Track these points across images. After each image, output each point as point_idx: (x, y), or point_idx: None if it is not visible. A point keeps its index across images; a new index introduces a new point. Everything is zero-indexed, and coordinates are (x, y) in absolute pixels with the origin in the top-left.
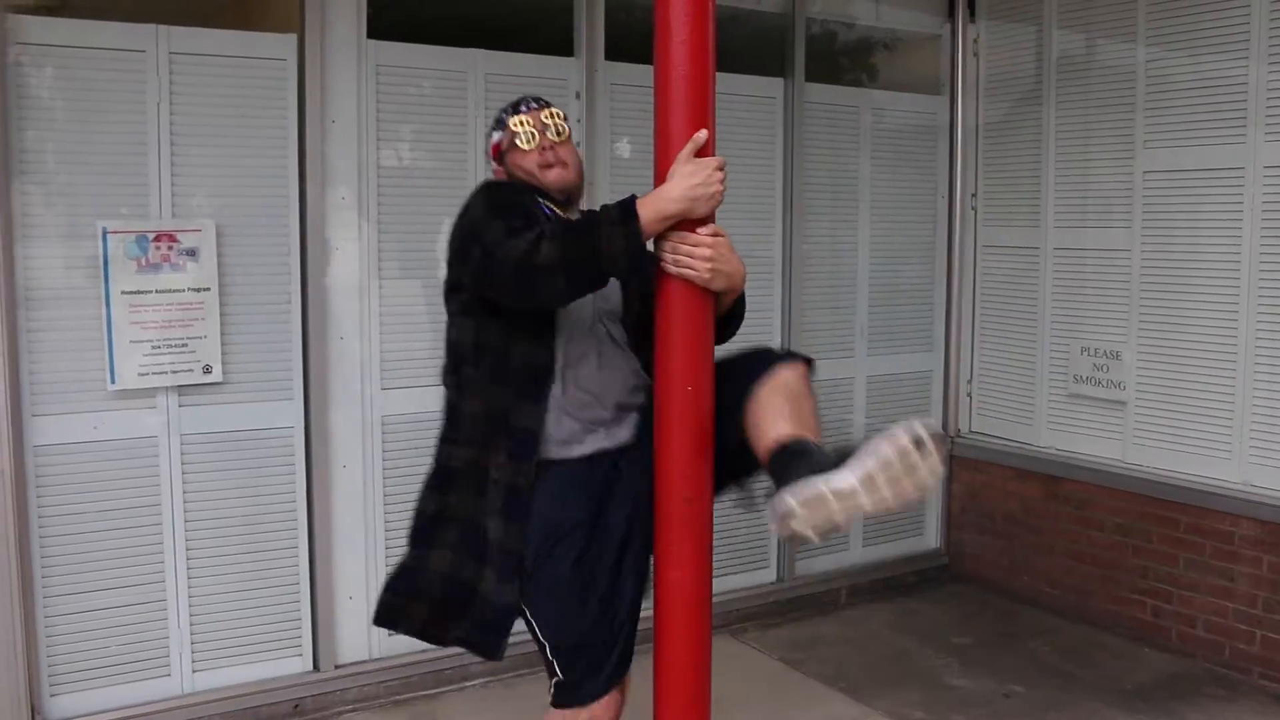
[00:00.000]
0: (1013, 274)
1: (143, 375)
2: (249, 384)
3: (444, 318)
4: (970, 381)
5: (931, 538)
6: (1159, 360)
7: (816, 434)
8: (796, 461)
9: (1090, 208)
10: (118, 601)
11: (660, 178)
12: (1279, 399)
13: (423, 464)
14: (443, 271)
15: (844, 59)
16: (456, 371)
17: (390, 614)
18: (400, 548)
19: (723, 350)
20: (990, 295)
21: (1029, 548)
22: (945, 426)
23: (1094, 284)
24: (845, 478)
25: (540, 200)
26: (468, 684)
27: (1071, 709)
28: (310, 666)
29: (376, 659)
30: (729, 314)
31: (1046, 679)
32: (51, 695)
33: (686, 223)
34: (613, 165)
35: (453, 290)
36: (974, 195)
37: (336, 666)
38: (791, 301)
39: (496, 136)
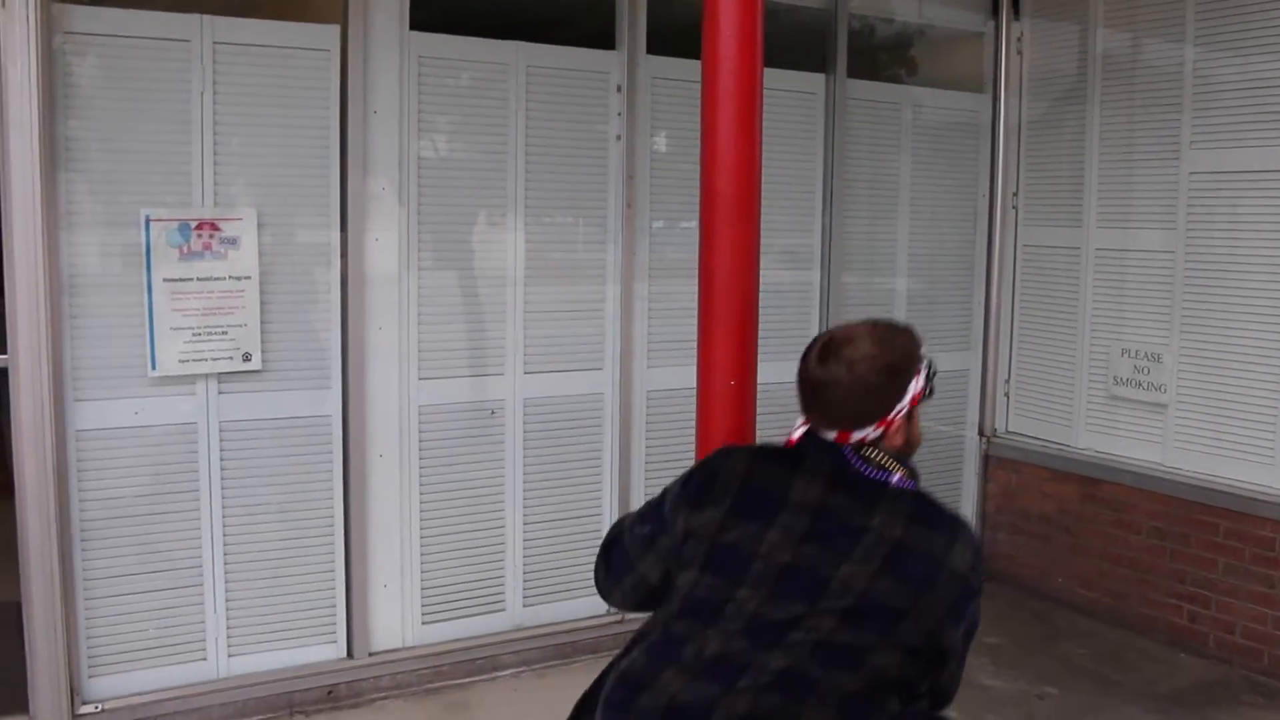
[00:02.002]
0: (1053, 274)
1: (183, 362)
2: (288, 372)
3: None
4: (1008, 381)
5: None
6: (1201, 363)
7: None
8: None
9: (1133, 208)
10: (155, 586)
11: (706, 170)
12: None
13: (459, 453)
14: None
15: (885, 55)
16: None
17: None
18: (435, 538)
19: None
20: (1030, 295)
21: (1064, 549)
22: (982, 426)
23: (1135, 285)
24: None
25: None
26: (499, 673)
27: (1105, 713)
28: (344, 653)
29: (410, 647)
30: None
31: (1080, 681)
32: (90, 677)
33: None
34: (653, 160)
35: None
36: (1015, 194)
37: (370, 654)
38: (829, 297)
39: (921, 386)
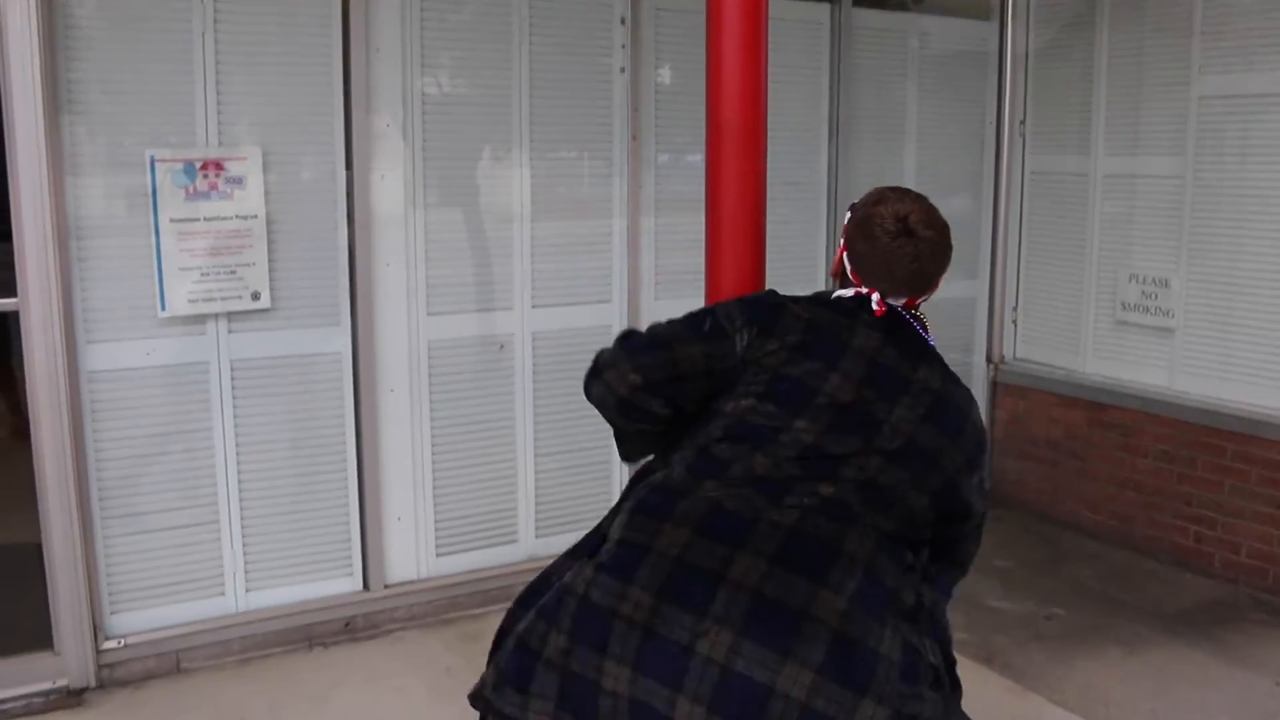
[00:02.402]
0: (1061, 201)
1: (192, 302)
2: (297, 310)
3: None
4: (1016, 308)
5: None
6: (1209, 287)
7: None
8: None
9: (1142, 134)
10: (172, 523)
11: (712, 100)
12: None
13: (469, 387)
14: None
15: None
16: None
17: None
18: (448, 472)
19: None
20: (1038, 222)
21: (1072, 474)
22: (989, 353)
23: (1144, 211)
24: None
25: None
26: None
27: (1112, 632)
28: (360, 586)
29: (424, 579)
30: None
31: (1088, 602)
32: (112, 613)
33: None
34: (657, 92)
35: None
36: (1022, 122)
37: (386, 586)
38: (836, 227)
39: None
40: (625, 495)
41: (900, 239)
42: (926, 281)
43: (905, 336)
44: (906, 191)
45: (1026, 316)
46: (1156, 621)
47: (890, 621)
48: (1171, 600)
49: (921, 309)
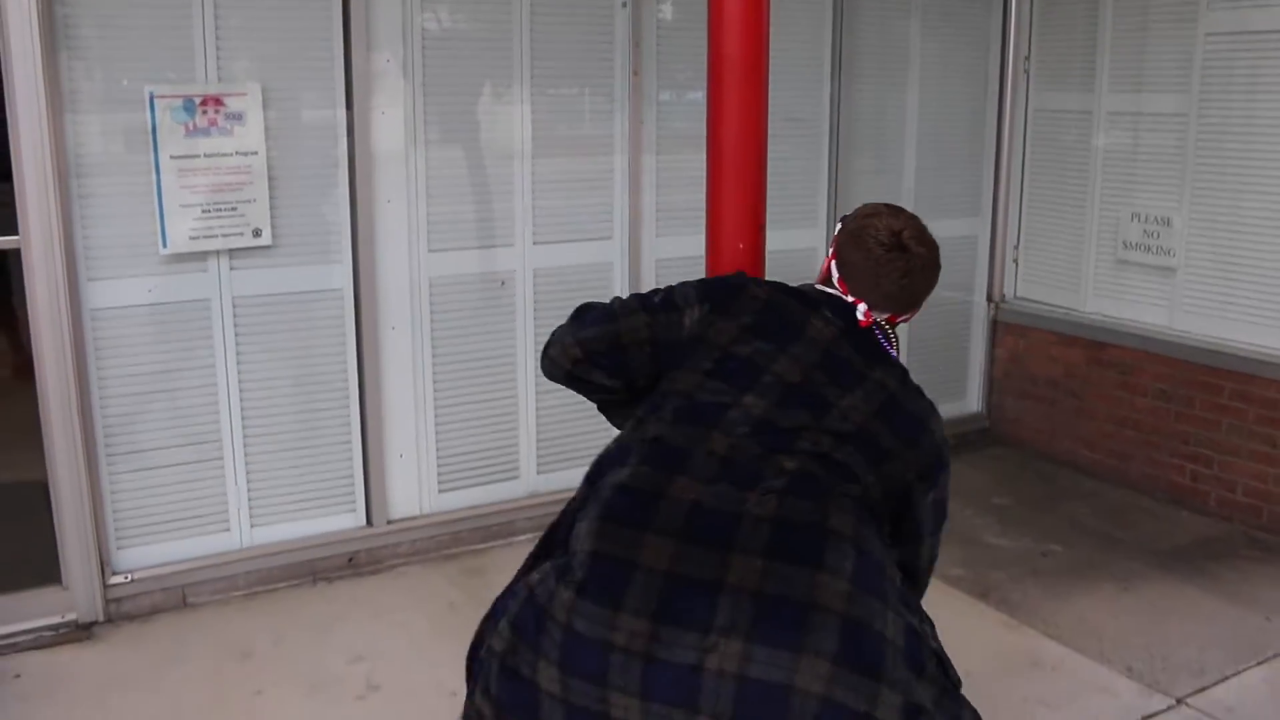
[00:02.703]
0: (1064, 138)
1: (193, 239)
2: (298, 247)
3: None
4: (1017, 247)
5: (973, 401)
6: (1211, 227)
7: None
8: None
9: (1147, 71)
10: (176, 460)
11: (714, 33)
12: None
13: (471, 324)
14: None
15: None
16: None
17: None
18: (449, 408)
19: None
20: (1040, 160)
21: (1070, 412)
22: (990, 292)
23: (1147, 149)
24: None
25: None
26: (515, 539)
27: (1108, 567)
28: (364, 522)
29: (427, 514)
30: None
31: (1084, 539)
32: (119, 549)
33: None
34: (659, 28)
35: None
36: (1026, 58)
37: (389, 521)
38: (838, 166)
39: None
40: (586, 494)
41: (893, 253)
42: (912, 298)
43: (867, 340)
44: (901, 209)
45: (1027, 255)
46: (1151, 558)
47: (890, 601)
48: (1167, 537)
49: (894, 333)
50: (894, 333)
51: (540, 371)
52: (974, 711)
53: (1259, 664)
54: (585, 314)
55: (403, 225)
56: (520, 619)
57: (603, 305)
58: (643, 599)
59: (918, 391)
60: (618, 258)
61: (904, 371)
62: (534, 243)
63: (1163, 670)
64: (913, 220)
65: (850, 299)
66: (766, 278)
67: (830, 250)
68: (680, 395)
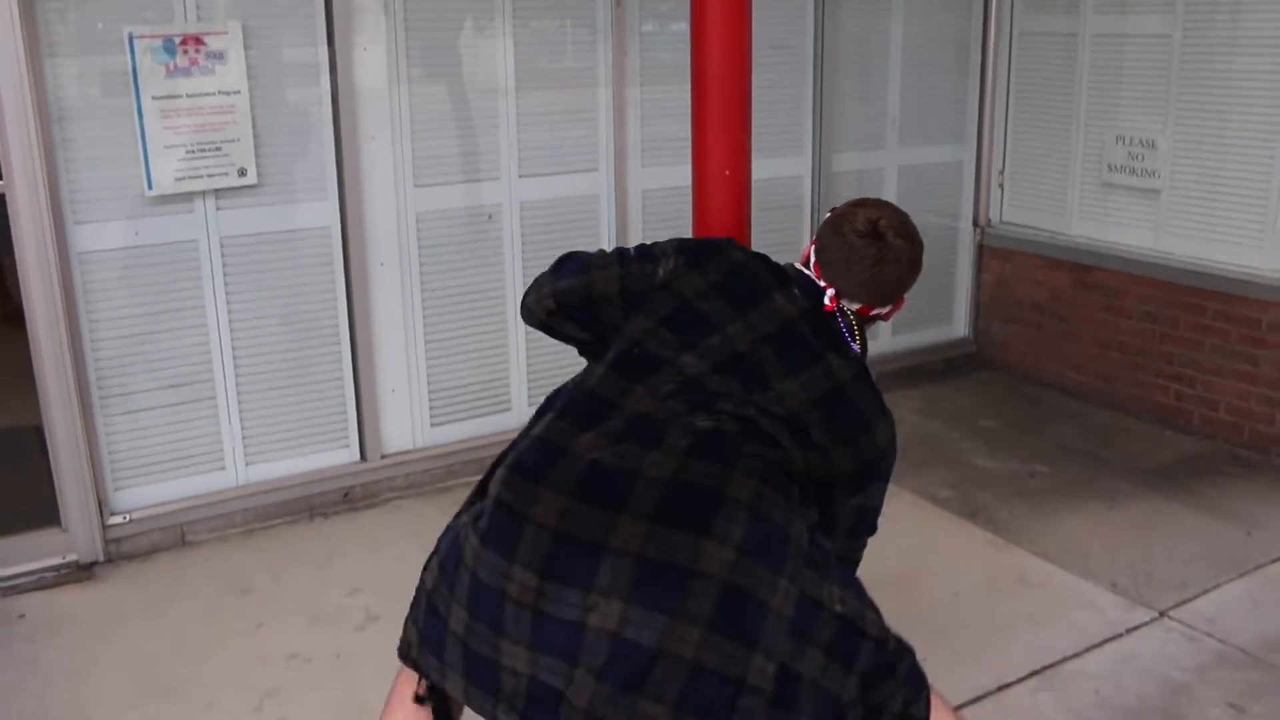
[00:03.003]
0: (1049, 61)
1: (179, 180)
2: (284, 186)
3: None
4: (1003, 171)
5: (960, 326)
6: (1196, 148)
7: None
8: None
9: None
10: (170, 400)
11: None
12: None
13: (459, 258)
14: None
15: None
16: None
17: None
18: (440, 343)
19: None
20: (1025, 84)
21: (1056, 335)
22: (976, 217)
23: (1132, 71)
24: None
25: None
26: None
27: (1093, 486)
28: (358, 457)
29: (421, 448)
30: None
31: (1070, 460)
32: (116, 490)
33: None
34: None
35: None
36: None
37: (383, 456)
38: (824, 93)
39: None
40: (529, 426)
41: (867, 239)
42: (884, 289)
43: (828, 327)
44: (888, 203)
45: (1013, 180)
46: (1136, 477)
47: (789, 568)
48: (1151, 457)
49: (865, 328)
50: (864, 327)
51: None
52: (917, 674)
53: (1239, 577)
54: (564, 264)
55: (388, 161)
56: (446, 559)
57: (582, 256)
58: (531, 554)
59: (873, 391)
60: (604, 190)
61: (863, 367)
62: (520, 176)
63: (1146, 585)
64: (897, 213)
65: (822, 283)
66: (752, 222)
67: (814, 237)
68: (627, 341)
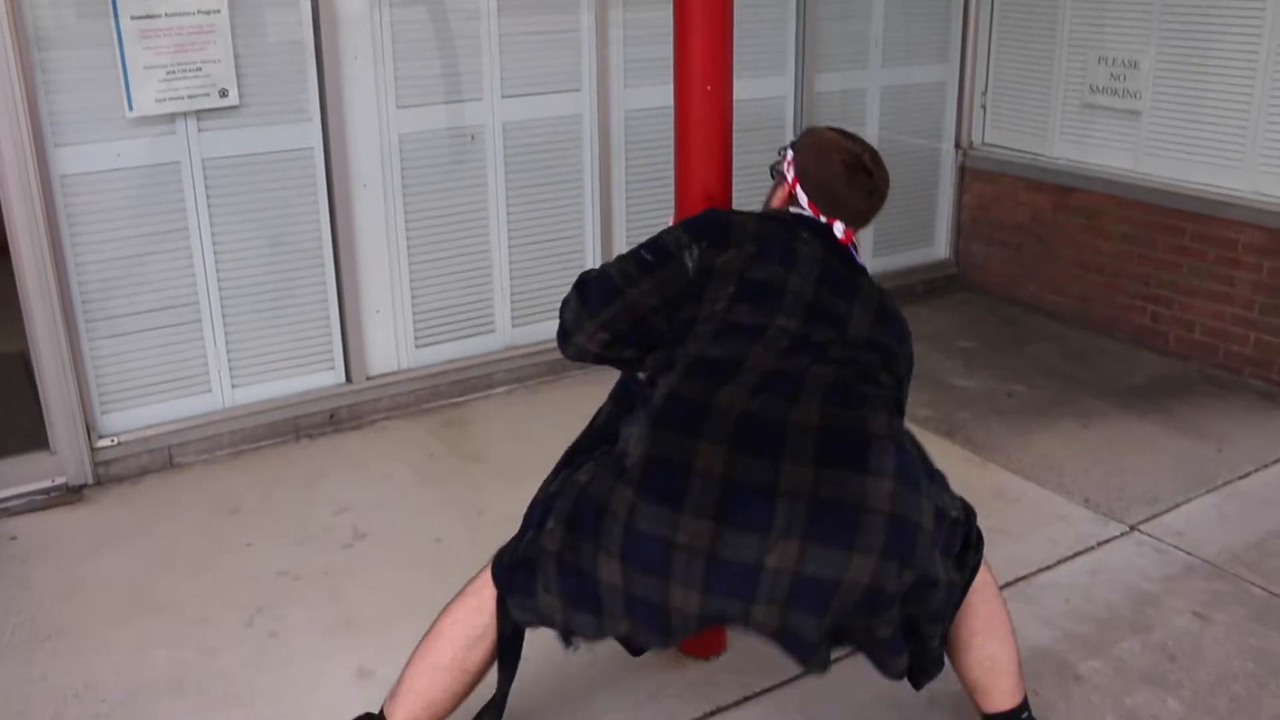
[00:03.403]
0: None
1: (160, 101)
2: (266, 107)
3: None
4: (985, 93)
5: (941, 248)
6: (1178, 69)
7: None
8: None
9: None
10: (155, 324)
11: None
12: None
13: (442, 179)
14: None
15: None
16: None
17: None
18: (423, 264)
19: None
20: (1008, 4)
21: (1037, 257)
22: (958, 139)
23: None
24: None
25: None
26: (493, 391)
27: (1069, 405)
28: (343, 379)
29: (405, 370)
30: None
31: (1047, 380)
32: (103, 413)
33: None
34: None
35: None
36: None
37: (368, 378)
38: (805, 12)
39: None
40: (613, 410)
41: (859, 175)
42: (870, 215)
43: (845, 255)
44: (851, 133)
45: (996, 101)
46: (1111, 396)
47: (924, 489)
48: (1126, 377)
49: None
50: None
51: (510, 229)
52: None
53: (1208, 492)
54: (586, 289)
55: (370, 82)
56: (575, 516)
57: (601, 277)
58: (703, 502)
59: (891, 296)
60: (587, 110)
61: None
62: (502, 96)
63: (1118, 500)
64: (867, 145)
65: (824, 219)
66: (733, 157)
67: (789, 176)
68: (713, 321)
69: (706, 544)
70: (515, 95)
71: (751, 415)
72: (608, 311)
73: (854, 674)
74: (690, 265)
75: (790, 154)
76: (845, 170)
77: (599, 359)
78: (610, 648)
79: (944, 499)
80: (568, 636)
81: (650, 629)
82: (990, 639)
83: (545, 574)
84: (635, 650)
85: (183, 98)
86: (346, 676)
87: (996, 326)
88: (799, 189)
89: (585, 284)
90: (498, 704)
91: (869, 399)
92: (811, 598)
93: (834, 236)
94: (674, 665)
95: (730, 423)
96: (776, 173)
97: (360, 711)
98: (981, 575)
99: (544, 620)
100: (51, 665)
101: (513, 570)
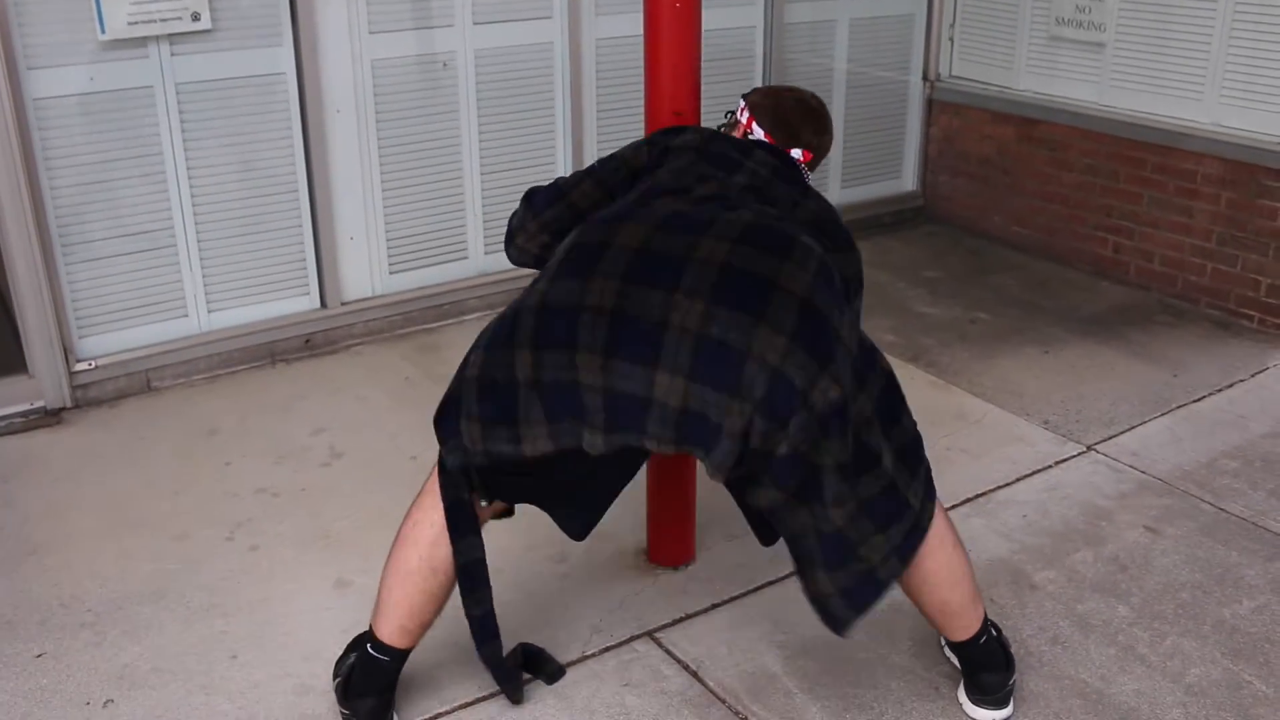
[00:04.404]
0: None
1: (132, 24)
2: (238, 30)
3: None
4: (953, 25)
5: (909, 180)
6: (1142, 2)
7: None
8: (988, 676)
9: None
10: (131, 249)
11: None
12: (1257, 40)
13: (414, 106)
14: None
15: None
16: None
17: None
18: (396, 191)
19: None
20: None
21: (1002, 189)
22: (925, 71)
23: None
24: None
25: None
26: (466, 317)
27: (1030, 333)
28: (318, 304)
29: (379, 295)
30: None
31: (1009, 308)
32: (81, 338)
33: None
34: None
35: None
36: None
37: (342, 303)
38: None
39: None
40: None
41: (809, 113)
42: (821, 153)
43: (797, 178)
44: (793, 87)
45: (963, 34)
46: (1073, 324)
47: (849, 314)
48: (1087, 305)
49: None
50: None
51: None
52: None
53: (1162, 414)
54: (534, 197)
55: (342, 7)
56: (494, 336)
57: (549, 186)
58: (613, 265)
59: (839, 210)
60: (558, 37)
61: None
62: (474, 23)
63: (1076, 422)
64: (814, 96)
65: (783, 148)
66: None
67: (744, 118)
68: (665, 175)
69: (612, 300)
70: (486, 22)
71: (683, 210)
72: (550, 212)
73: None
74: (642, 160)
75: (742, 103)
76: (798, 105)
77: (540, 261)
78: (581, 556)
79: (879, 353)
80: (488, 486)
81: (567, 418)
82: (938, 587)
83: (467, 402)
84: (576, 532)
85: (154, 21)
86: (325, 587)
87: (962, 257)
88: (754, 125)
89: (534, 192)
90: (520, 653)
91: (793, 252)
92: (715, 368)
93: (789, 158)
94: (644, 574)
95: (660, 213)
96: (730, 117)
97: (340, 618)
98: (936, 528)
99: (468, 455)
100: (37, 578)
101: (443, 412)
